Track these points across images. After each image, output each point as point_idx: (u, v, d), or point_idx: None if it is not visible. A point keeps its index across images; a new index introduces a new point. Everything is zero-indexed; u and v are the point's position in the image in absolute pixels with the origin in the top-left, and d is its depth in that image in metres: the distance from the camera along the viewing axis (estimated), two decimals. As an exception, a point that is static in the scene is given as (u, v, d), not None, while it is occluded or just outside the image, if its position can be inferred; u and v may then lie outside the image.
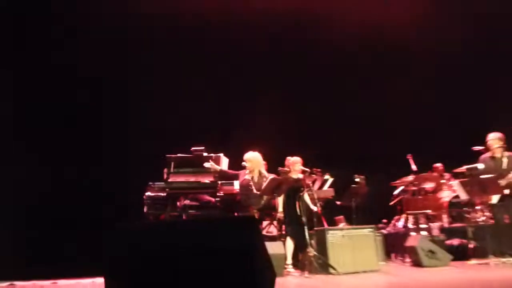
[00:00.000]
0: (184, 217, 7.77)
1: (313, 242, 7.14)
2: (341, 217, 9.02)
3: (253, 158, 7.55)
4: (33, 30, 9.80)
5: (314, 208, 7.57)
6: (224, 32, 10.53)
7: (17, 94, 9.58)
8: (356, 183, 8.81)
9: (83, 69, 9.75)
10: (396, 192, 9.44)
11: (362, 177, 8.85)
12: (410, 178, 8.92)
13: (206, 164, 7.61)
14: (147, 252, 3.78)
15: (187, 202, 7.88)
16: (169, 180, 7.75)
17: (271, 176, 7.45)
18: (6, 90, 9.43)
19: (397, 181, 9.27)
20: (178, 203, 7.87)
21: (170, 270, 3.68)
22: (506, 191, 7.22)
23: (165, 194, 7.86)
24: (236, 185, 7.79)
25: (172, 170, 7.76)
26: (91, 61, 9.61)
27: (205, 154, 7.78)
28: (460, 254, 7.83)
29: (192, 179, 7.74)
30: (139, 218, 7.82)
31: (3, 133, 9.17)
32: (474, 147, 7.70)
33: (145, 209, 7.90)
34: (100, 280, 4.03)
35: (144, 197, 7.96)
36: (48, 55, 9.72)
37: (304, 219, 7.11)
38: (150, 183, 8.07)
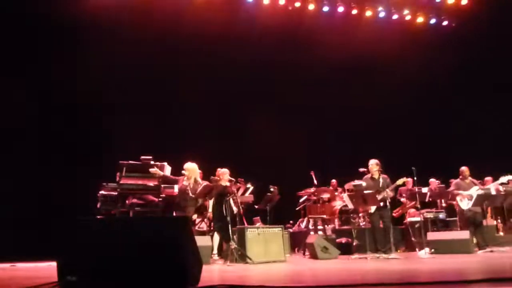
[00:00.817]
0: (131, 213, 7.40)
1: (235, 237, 7.01)
2: (258, 218, 9.00)
3: (191, 168, 7.28)
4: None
5: (236, 210, 7.48)
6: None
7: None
8: (271, 192, 8.76)
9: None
10: (301, 200, 9.47)
11: (275, 187, 8.82)
12: (312, 189, 8.97)
13: (151, 169, 7.28)
14: (98, 242, 3.63)
15: (134, 200, 7.53)
16: (121, 182, 7.36)
17: (205, 183, 7.24)
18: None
19: (302, 192, 9.29)
20: (127, 201, 7.50)
21: (116, 256, 3.55)
22: (381, 203, 7.32)
23: (116, 193, 7.44)
24: (176, 189, 7.49)
25: (123, 174, 7.37)
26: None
27: (152, 162, 7.42)
28: (346, 250, 7.97)
29: (139, 182, 7.42)
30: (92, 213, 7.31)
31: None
32: (359, 169, 7.79)
33: (98, 205, 7.43)
34: (54, 264, 3.66)
35: (98, 195, 7.50)
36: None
37: (228, 218, 6.97)
38: (104, 183, 7.60)
